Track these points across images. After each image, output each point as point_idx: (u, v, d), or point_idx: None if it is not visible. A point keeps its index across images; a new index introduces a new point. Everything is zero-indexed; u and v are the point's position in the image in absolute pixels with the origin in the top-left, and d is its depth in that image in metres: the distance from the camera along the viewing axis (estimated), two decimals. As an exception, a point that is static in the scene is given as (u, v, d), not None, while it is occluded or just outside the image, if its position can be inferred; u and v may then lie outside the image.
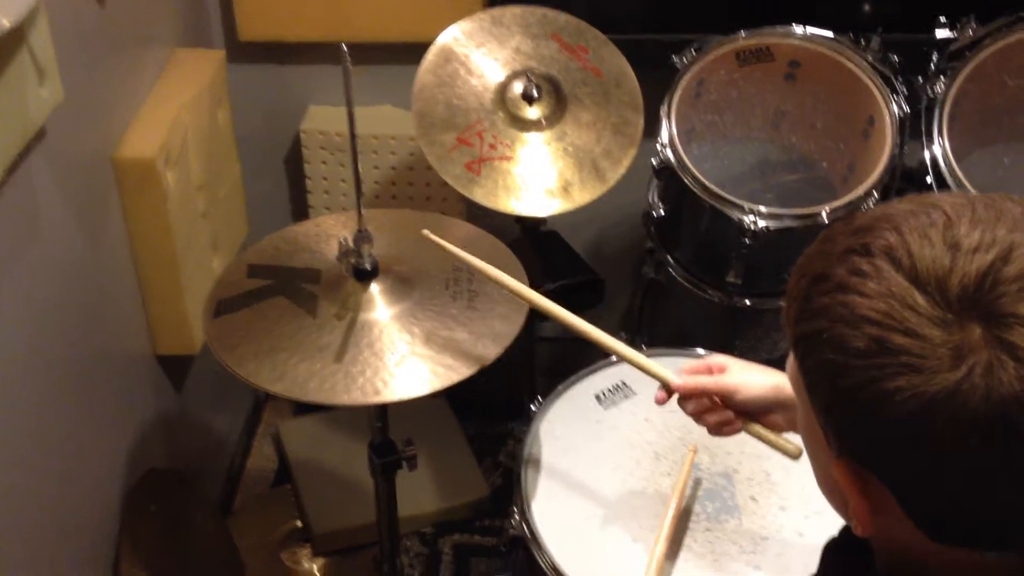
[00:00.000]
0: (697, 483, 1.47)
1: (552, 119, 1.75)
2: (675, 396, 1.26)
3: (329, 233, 1.52)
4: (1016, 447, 0.62)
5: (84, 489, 1.59)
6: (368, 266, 1.39)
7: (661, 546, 1.34)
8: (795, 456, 1.21)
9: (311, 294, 1.41)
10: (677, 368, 1.28)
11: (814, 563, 0.86)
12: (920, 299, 0.63)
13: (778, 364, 1.11)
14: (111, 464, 1.68)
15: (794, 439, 1.20)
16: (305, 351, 1.33)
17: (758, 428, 1.23)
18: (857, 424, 0.67)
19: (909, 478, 0.67)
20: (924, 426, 0.62)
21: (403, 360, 1.32)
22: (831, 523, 0.81)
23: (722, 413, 1.24)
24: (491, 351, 1.34)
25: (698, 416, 1.25)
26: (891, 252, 0.65)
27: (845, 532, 0.81)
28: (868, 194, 1.67)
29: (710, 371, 1.25)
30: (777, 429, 1.22)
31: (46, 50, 1.32)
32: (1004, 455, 0.62)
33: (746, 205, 1.66)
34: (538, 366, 2.12)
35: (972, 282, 0.63)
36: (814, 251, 0.72)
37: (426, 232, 1.37)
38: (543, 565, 1.37)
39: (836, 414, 0.69)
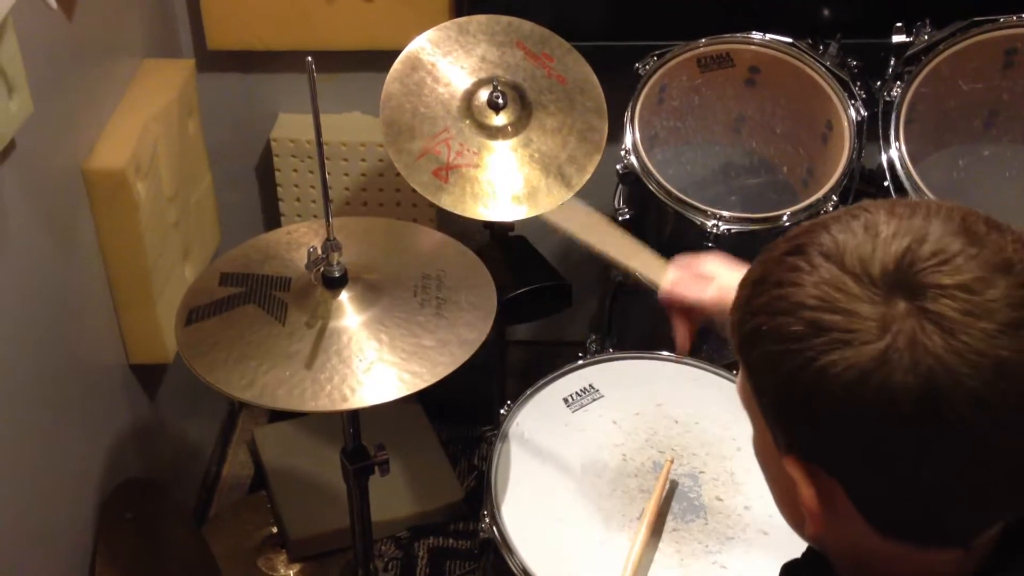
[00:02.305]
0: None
1: (518, 126, 1.78)
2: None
3: (300, 241, 1.54)
4: (948, 414, 0.63)
5: (59, 498, 1.60)
6: (337, 274, 1.41)
7: (637, 550, 1.37)
8: None
9: (281, 302, 1.42)
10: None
11: (778, 562, 0.88)
12: (848, 281, 0.67)
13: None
14: (86, 473, 1.69)
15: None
16: (275, 358, 1.35)
17: None
18: (800, 410, 0.69)
19: (852, 461, 0.69)
20: (859, 399, 0.65)
21: (370, 367, 1.34)
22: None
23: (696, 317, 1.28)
24: (457, 358, 1.36)
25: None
26: (821, 247, 0.70)
27: (807, 554, 0.83)
28: (827, 197, 1.71)
29: (700, 278, 1.26)
30: None
31: (14, 63, 1.33)
32: (937, 426, 0.64)
33: (708, 210, 1.69)
34: (509, 369, 2.14)
35: (892, 262, 0.67)
36: (756, 261, 0.76)
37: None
38: (513, 568, 1.39)
39: (780, 405, 0.71)
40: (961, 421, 0.64)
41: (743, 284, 0.75)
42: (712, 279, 1.25)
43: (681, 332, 1.30)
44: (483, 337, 1.39)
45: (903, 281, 0.66)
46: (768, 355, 0.70)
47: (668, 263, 1.30)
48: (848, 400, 0.66)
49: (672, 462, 1.50)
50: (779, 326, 0.69)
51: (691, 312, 1.28)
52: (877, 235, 0.69)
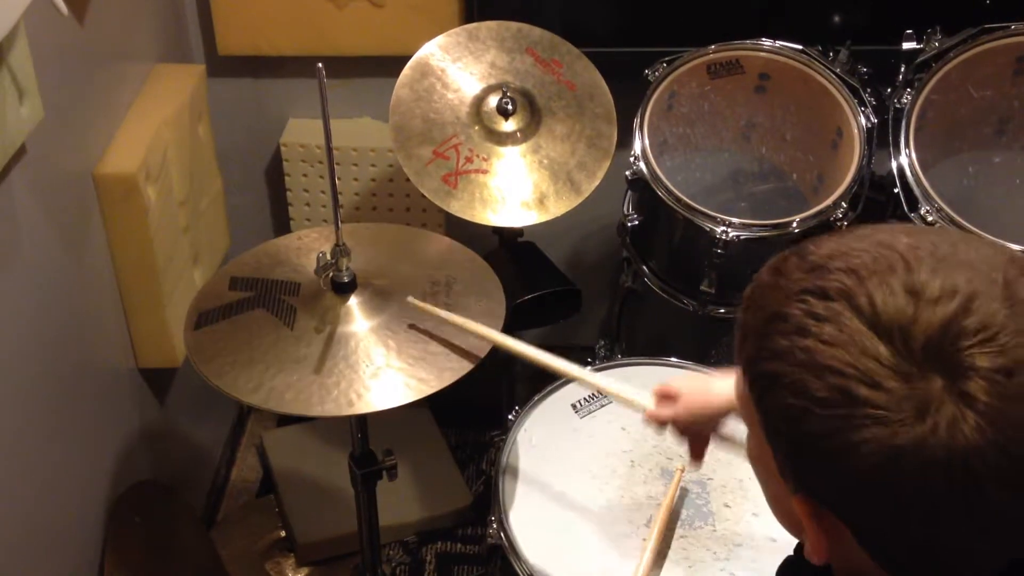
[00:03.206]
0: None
1: (527, 132, 1.78)
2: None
3: (311, 247, 1.54)
4: (975, 494, 0.63)
5: (69, 502, 1.60)
6: (346, 279, 1.42)
7: (647, 557, 1.37)
8: None
9: (290, 306, 1.43)
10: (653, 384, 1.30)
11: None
12: (883, 349, 0.64)
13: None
14: (95, 477, 1.70)
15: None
16: (282, 363, 1.35)
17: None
18: (820, 469, 0.68)
19: (871, 523, 0.68)
20: (889, 476, 0.63)
21: (377, 372, 1.34)
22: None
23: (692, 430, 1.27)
24: (465, 365, 1.36)
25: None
26: (850, 297, 0.65)
27: (800, 550, 0.82)
28: (837, 204, 1.70)
29: (671, 400, 1.27)
30: None
31: (26, 69, 1.34)
32: (964, 502, 0.63)
33: (718, 216, 1.69)
34: (518, 375, 2.14)
35: (936, 333, 0.63)
36: (767, 284, 0.72)
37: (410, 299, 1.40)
38: (521, 573, 1.39)
39: (796, 457, 0.70)
40: (990, 501, 0.63)
41: (756, 304, 0.71)
42: (676, 395, 1.25)
43: (692, 448, 1.29)
44: (491, 344, 1.40)
45: (944, 356, 0.63)
46: (787, 408, 0.67)
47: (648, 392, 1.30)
48: (876, 475, 0.64)
49: (683, 470, 1.50)
50: (803, 383, 0.65)
51: (681, 429, 1.28)
52: (919, 297, 0.64)
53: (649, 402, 1.28)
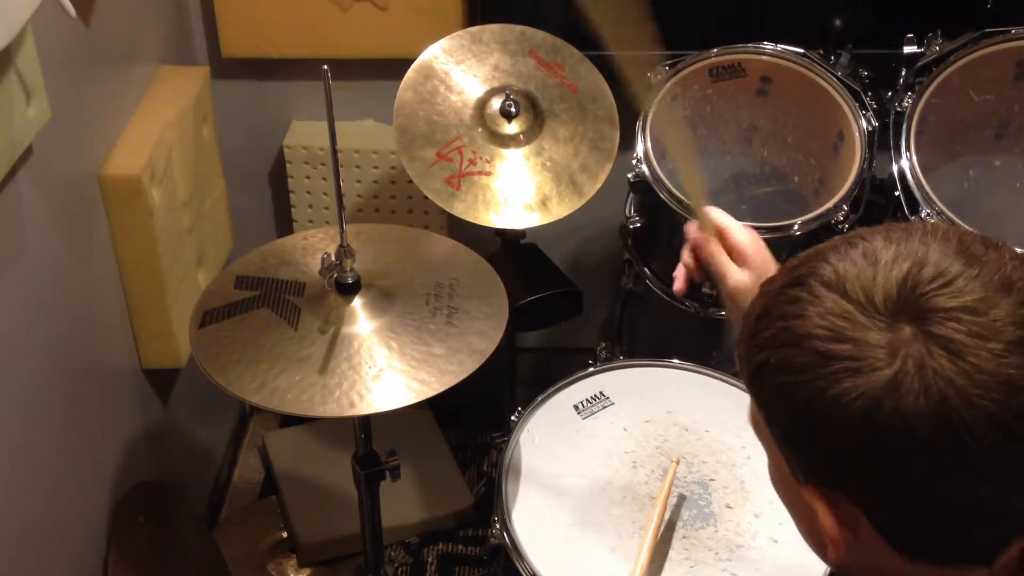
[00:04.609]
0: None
1: (530, 135, 1.79)
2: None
3: (316, 247, 1.55)
4: (960, 433, 0.64)
5: (72, 502, 1.61)
6: (350, 280, 1.42)
7: (645, 555, 1.37)
8: None
9: (294, 306, 1.44)
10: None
11: (788, 570, 0.88)
12: (852, 309, 0.68)
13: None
14: (98, 477, 1.70)
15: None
16: (285, 362, 1.36)
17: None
18: (815, 440, 0.70)
19: (872, 487, 0.69)
20: (873, 425, 0.66)
21: (379, 374, 1.35)
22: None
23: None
24: (466, 367, 1.37)
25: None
26: (821, 277, 0.71)
27: None
28: (838, 207, 1.71)
29: (735, 251, 1.20)
30: None
31: (33, 70, 1.35)
32: (953, 443, 0.65)
33: (720, 218, 1.70)
34: (519, 377, 2.15)
35: (894, 287, 0.68)
36: (755, 297, 0.77)
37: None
38: (524, 574, 1.40)
39: (795, 436, 0.72)
40: (976, 441, 0.64)
41: (747, 319, 0.76)
42: (746, 260, 1.17)
43: (683, 272, 1.26)
44: (493, 347, 1.40)
45: (907, 306, 0.67)
46: (778, 387, 0.71)
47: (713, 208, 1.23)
48: (862, 427, 0.66)
49: (678, 463, 1.50)
50: (787, 358, 0.70)
51: (705, 262, 1.23)
52: (876, 261, 0.70)
53: (709, 220, 1.21)
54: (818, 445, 0.70)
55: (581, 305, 1.96)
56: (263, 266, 1.52)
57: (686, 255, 1.27)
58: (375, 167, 2.18)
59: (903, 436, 0.65)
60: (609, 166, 1.78)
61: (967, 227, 0.75)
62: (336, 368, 1.35)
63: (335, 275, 1.42)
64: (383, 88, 1.93)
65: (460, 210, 1.73)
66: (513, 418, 1.60)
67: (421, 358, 1.38)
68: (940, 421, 0.64)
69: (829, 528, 0.72)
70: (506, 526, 1.44)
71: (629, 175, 1.81)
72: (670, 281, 1.85)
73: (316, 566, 2.16)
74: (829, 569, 0.86)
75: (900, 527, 0.70)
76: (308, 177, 2.20)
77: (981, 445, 0.64)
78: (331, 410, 1.31)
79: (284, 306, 1.44)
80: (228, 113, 2.14)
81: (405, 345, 1.39)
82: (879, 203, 1.81)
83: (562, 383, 1.66)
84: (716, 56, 1.84)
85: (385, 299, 1.45)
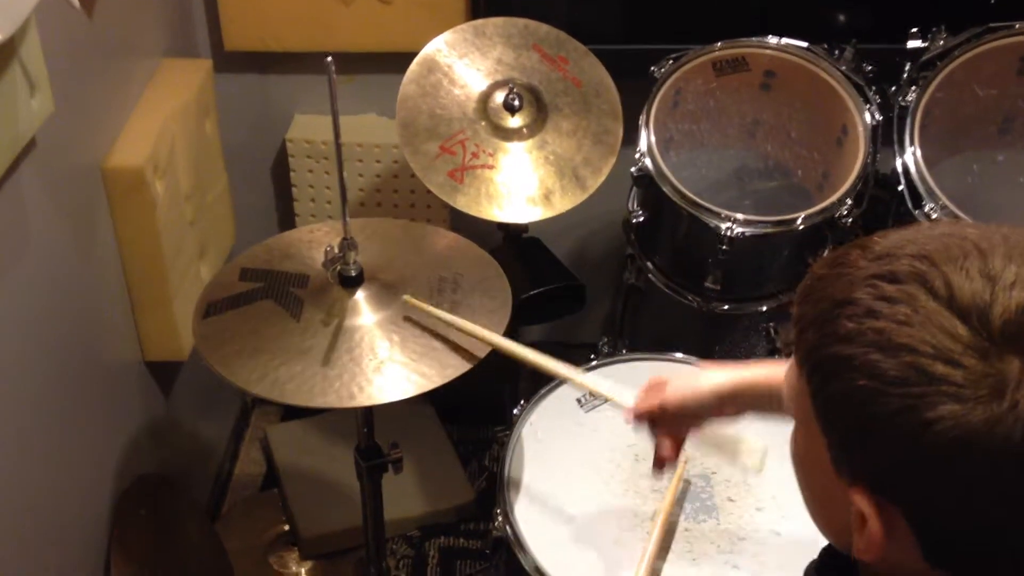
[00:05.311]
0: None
1: (533, 128, 1.79)
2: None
3: (321, 240, 1.54)
4: None
5: (75, 494, 1.61)
6: (353, 273, 1.42)
7: (652, 546, 1.37)
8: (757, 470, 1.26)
9: (298, 298, 1.44)
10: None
11: (790, 562, 0.87)
12: (960, 328, 0.63)
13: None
14: (101, 470, 1.70)
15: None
16: (287, 354, 1.36)
17: (710, 436, 1.25)
18: (887, 452, 0.67)
19: (936, 508, 0.67)
20: (962, 456, 0.63)
21: (380, 366, 1.34)
22: (806, 523, 0.82)
23: (673, 427, 1.25)
24: (467, 362, 1.37)
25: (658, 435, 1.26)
26: (924, 280, 0.65)
27: (826, 554, 0.82)
28: (842, 201, 1.71)
29: (653, 388, 1.24)
30: (731, 415, 1.21)
31: (37, 62, 1.35)
32: None
33: (723, 212, 1.70)
34: (521, 372, 2.15)
35: (1014, 316, 0.63)
36: (828, 275, 0.71)
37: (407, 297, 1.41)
38: (526, 567, 1.39)
39: (861, 441, 0.68)
40: None
41: (816, 297, 0.71)
42: (664, 384, 1.22)
43: (662, 446, 1.26)
44: (487, 344, 1.40)
45: (1021, 338, 0.63)
46: (856, 390, 0.66)
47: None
48: (949, 454, 0.63)
49: (686, 463, 1.50)
50: (876, 364, 0.65)
51: (662, 422, 1.24)
52: (995, 280, 0.65)
53: (633, 400, 1.26)
54: (886, 458, 0.67)
55: (584, 299, 1.96)
56: (268, 258, 1.52)
57: (658, 438, 1.26)
58: (377, 161, 2.18)
59: (992, 473, 0.63)
60: (612, 160, 1.78)
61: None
62: (337, 360, 1.35)
63: (338, 267, 1.42)
64: (386, 82, 1.93)
65: (463, 204, 1.73)
66: (516, 411, 1.60)
67: (423, 351, 1.38)
68: None
69: (875, 533, 0.69)
70: (509, 519, 1.44)
71: (632, 169, 1.81)
72: (673, 275, 1.88)
73: (317, 559, 2.16)
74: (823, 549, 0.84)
75: (947, 544, 0.69)
76: (311, 171, 2.20)
77: None
78: (331, 401, 1.31)
79: (287, 298, 1.44)
80: (231, 107, 2.14)
81: (407, 338, 1.39)
82: (882, 197, 1.81)
83: (565, 377, 1.65)
84: (720, 50, 1.84)
85: (388, 292, 1.45)
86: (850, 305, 0.67)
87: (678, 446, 1.26)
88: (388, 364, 1.35)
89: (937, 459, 0.64)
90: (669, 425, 1.24)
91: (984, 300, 0.64)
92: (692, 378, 1.21)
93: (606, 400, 1.33)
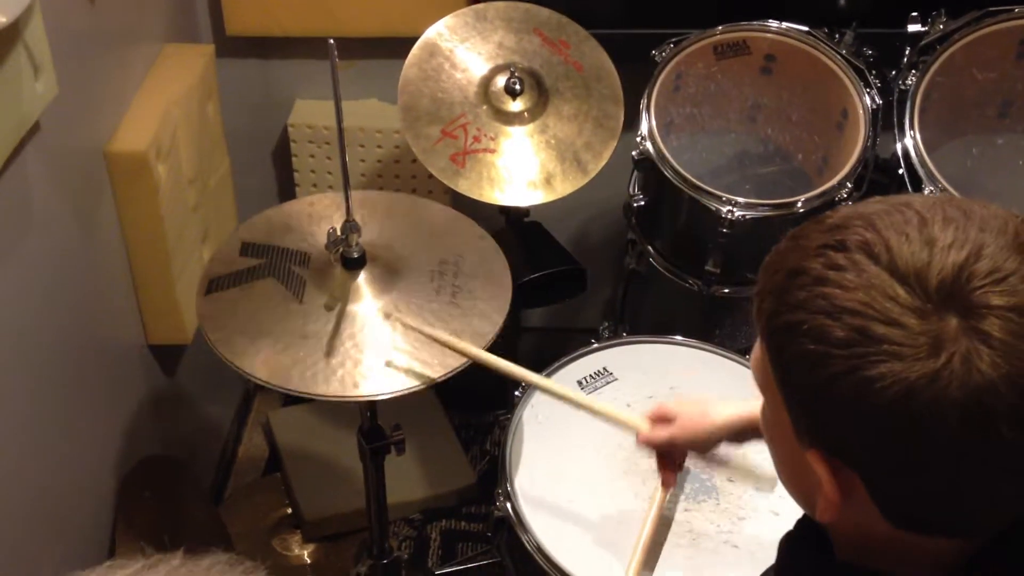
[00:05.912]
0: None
1: (534, 112, 1.79)
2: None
3: (322, 214, 1.55)
4: (989, 431, 0.64)
5: (79, 476, 1.62)
6: (356, 255, 1.43)
7: (650, 528, 1.39)
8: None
9: (300, 278, 1.44)
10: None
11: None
12: (900, 290, 0.66)
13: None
14: (105, 452, 1.72)
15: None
16: (290, 338, 1.37)
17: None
18: (835, 413, 0.69)
19: (885, 466, 0.69)
20: (904, 412, 0.65)
21: (381, 356, 1.35)
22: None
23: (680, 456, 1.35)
24: (468, 350, 1.37)
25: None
26: (868, 247, 0.68)
27: (801, 524, 0.84)
28: (842, 184, 1.72)
29: (667, 422, 1.30)
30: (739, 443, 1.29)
31: (41, 45, 1.35)
32: (979, 439, 0.65)
33: (724, 196, 1.70)
34: (522, 357, 2.16)
35: (949, 276, 0.65)
36: (785, 248, 0.74)
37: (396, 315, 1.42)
38: (527, 546, 1.41)
39: (811, 404, 0.71)
40: (1002, 438, 0.64)
41: (774, 268, 0.73)
42: (673, 418, 1.28)
43: (665, 472, 1.36)
44: (496, 329, 1.41)
45: (957, 297, 0.65)
46: (806, 354, 0.68)
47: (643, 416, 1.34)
48: (892, 412, 0.65)
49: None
50: (822, 327, 0.67)
51: (669, 451, 1.33)
52: (932, 243, 0.67)
53: (643, 423, 1.31)
54: (837, 419, 0.69)
55: (585, 283, 1.97)
56: (269, 231, 1.52)
57: (660, 463, 1.35)
58: (379, 146, 2.18)
59: (932, 428, 0.65)
60: (613, 144, 1.79)
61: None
62: (339, 348, 1.36)
63: (341, 250, 1.43)
64: (387, 67, 1.93)
65: (464, 187, 1.74)
66: (517, 393, 1.61)
67: (424, 340, 1.38)
68: (972, 417, 0.64)
69: (830, 493, 0.72)
70: (510, 498, 1.45)
71: (633, 153, 1.81)
72: (674, 259, 1.88)
73: (320, 541, 2.17)
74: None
75: (900, 503, 0.71)
76: (312, 156, 2.21)
77: (1007, 443, 0.65)
78: (334, 390, 1.32)
79: (289, 277, 1.44)
80: (232, 91, 2.14)
81: (408, 326, 1.39)
82: (882, 182, 1.81)
83: (566, 359, 1.66)
84: (720, 34, 1.85)
85: (390, 275, 1.45)
86: (802, 275, 0.70)
87: (682, 465, 1.37)
88: (391, 353, 1.36)
89: (881, 417, 0.66)
90: (677, 456, 1.33)
91: (922, 261, 0.66)
92: (700, 413, 1.27)
93: (607, 420, 1.38)
